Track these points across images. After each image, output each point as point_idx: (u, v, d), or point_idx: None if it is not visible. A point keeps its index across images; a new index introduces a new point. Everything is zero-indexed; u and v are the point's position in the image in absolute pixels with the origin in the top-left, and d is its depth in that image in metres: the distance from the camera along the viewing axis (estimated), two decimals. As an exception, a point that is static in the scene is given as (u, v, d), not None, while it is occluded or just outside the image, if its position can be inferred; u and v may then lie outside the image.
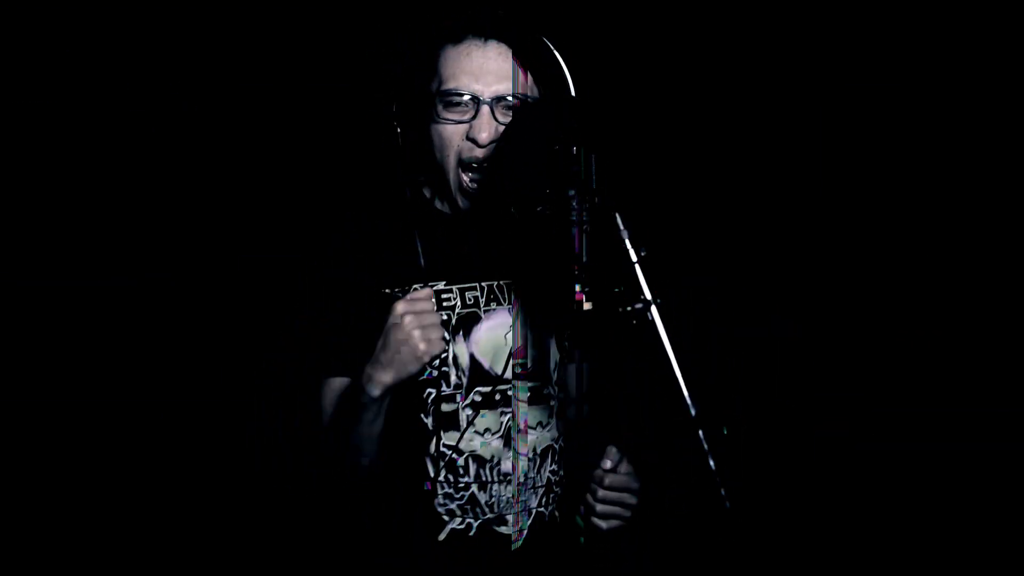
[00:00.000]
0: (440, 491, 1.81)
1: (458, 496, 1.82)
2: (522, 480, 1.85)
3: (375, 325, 1.76)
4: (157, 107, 2.74)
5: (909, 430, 2.87)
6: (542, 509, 1.87)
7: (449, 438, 1.81)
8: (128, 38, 2.70)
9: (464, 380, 1.81)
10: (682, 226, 2.90)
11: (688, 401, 1.45)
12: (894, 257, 2.98)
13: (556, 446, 1.90)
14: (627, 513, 1.80)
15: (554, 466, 1.89)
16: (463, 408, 1.81)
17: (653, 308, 1.49)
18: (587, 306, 1.54)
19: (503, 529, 1.83)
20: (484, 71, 1.73)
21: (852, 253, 3.01)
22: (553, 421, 1.89)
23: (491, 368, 1.83)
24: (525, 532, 1.85)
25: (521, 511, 1.85)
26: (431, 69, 1.77)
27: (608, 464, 1.77)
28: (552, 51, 1.75)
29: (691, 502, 1.87)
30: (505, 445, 1.83)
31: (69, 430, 2.74)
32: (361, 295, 1.79)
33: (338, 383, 1.77)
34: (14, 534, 2.69)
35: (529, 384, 1.86)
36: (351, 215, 1.87)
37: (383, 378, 1.62)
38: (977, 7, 2.80)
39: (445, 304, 1.82)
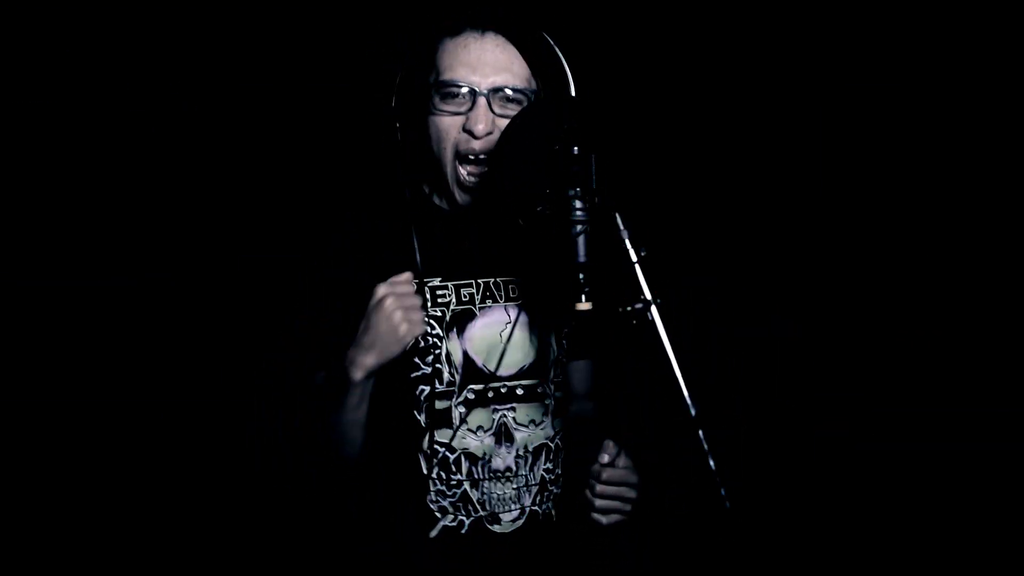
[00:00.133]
0: (432, 488, 1.81)
1: (450, 493, 1.82)
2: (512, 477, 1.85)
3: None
4: (157, 107, 2.74)
5: (910, 430, 2.87)
6: (536, 507, 1.87)
7: (442, 435, 1.81)
8: (128, 38, 2.69)
9: (457, 377, 1.81)
10: (682, 226, 2.90)
11: (688, 401, 1.46)
12: (894, 257, 2.98)
13: (551, 444, 1.89)
14: (627, 507, 1.80)
15: (548, 464, 1.89)
16: (456, 405, 1.81)
17: (653, 308, 1.50)
18: (587, 306, 1.54)
19: (496, 527, 1.83)
20: (481, 62, 1.73)
21: (852, 253, 3.01)
22: (548, 419, 1.88)
23: (484, 366, 1.82)
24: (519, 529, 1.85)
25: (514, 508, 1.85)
26: (429, 63, 1.77)
27: (605, 458, 1.76)
28: (553, 49, 1.76)
29: (691, 502, 1.86)
30: (497, 443, 1.83)
31: (69, 430, 2.74)
32: (361, 295, 1.79)
33: None
34: (14, 534, 2.69)
35: (524, 382, 1.86)
36: (351, 215, 1.87)
37: (366, 361, 1.64)
38: (977, 7, 2.79)
39: (440, 300, 1.82)
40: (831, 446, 2.94)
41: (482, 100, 1.73)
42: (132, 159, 2.75)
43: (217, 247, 2.79)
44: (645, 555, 1.97)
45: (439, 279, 1.83)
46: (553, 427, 1.89)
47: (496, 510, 1.83)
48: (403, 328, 1.62)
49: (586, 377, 2.00)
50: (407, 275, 1.66)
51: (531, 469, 1.87)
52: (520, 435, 1.86)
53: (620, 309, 1.53)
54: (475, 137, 1.73)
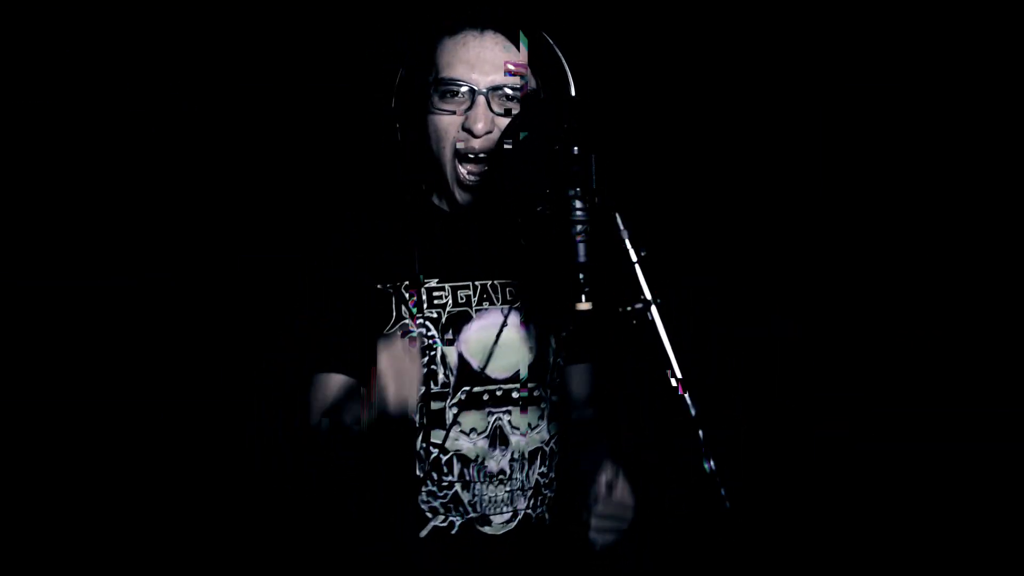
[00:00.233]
0: (424, 488, 1.81)
1: (441, 494, 1.81)
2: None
3: (374, 324, 1.77)
4: (157, 107, 2.74)
5: (909, 430, 2.87)
6: (529, 511, 1.86)
7: (436, 436, 1.80)
8: (128, 38, 2.69)
9: (452, 379, 1.81)
10: (682, 227, 2.90)
11: (688, 401, 1.45)
12: (894, 257, 2.98)
13: (546, 449, 1.89)
14: (623, 527, 1.79)
15: (543, 468, 1.88)
16: (449, 407, 1.81)
17: (653, 308, 1.49)
18: (587, 306, 1.54)
19: (487, 529, 1.83)
20: (481, 60, 1.72)
21: (852, 253, 3.01)
22: (543, 423, 1.88)
23: (479, 368, 1.82)
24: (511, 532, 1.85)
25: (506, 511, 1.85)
26: (428, 62, 1.76)
27: (604, 480, 1.75)
28: (553, 49, 1.75)
29: (691, 502, 1.86)
30: (491, 445, 1.83)
31: (69, 430, 2.74)
32: (361, 294, 1.79)
33: (336, 380, 1.76)
34: (14, 534, 2.69)
35: (519, 385, 1.86)
36: (351, 215, 1.86)
37: (350, 419, 1.64)
38: (977, 7, 2.79)
39: (436, 302, 1.81)
40: (831, 446, 2.94)
41: (481, 99, 1.72)
42: (132, 159, 2.75)
43: (217, 247, 2.79)
44: (645, 555, 1.97)
45: (436, 280, 1.83)
46: (549, 431, 1.88)
47: (487, 512, 1.83)
48: (392, 405, 1.59)
49: (586, 381, 2.00)
50: (410, 342, 1.63)
51: (526, 473, 1.86)
52: (515, 439, 1.85)
53: (620, 309, 1.52)
54: (474, 136, 1.72)
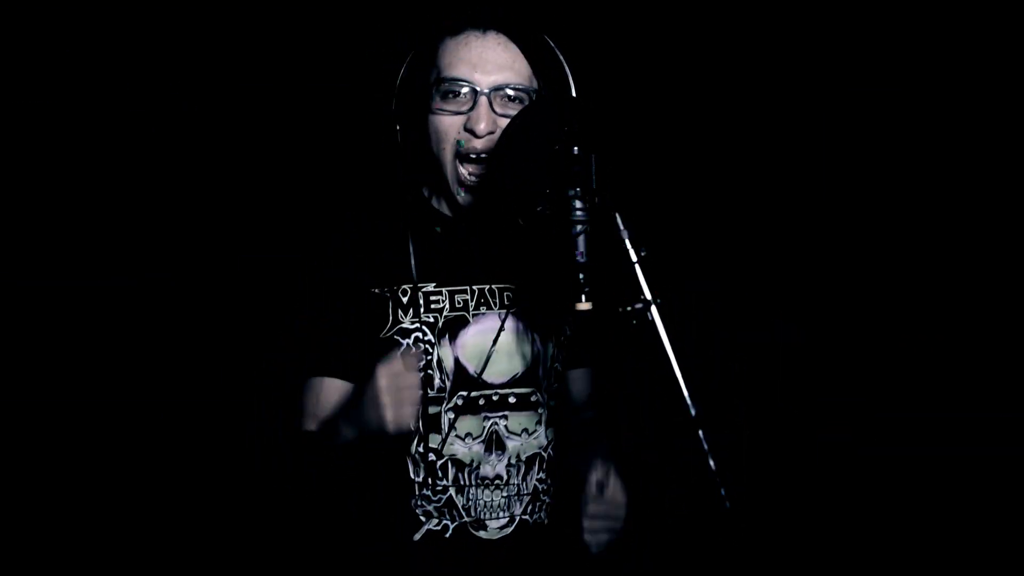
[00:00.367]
0: (418, 492, 1.80)
1: (435, 498, 1.80)
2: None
3: (372, 325, 1.76)
4: (157, 107, 2.74)
5: (912, 435, 2.86)
6: (526, 517, 1.85)
7: (432, 440, 1.79)
8: (128, 38, 2.70)
9: (448, 384, 1.80)
10: (684, 230, 2.90)
11: (688, 401, 1.45)
12: (897, 262, 2.97)
13: (544, 454, 1.88)
14: (617, 527, 1.78)
15: (542, 474, 1.87)
16: (445, 411, 1.80)
17: (653, 308, 1.49)
18: (587, 306, 1.53)
19: (482, 533, 1.82)
20: (483, 60, 1.72)
21: (855, 258, 3.01)
22: (541, 428, 1.87)
23: (475, 373, 1.81)
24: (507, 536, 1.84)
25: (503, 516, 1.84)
26: (430, 62, 1.76)
27: (594, 480, 1.74)
28: (553, 49, 1.75)
29: (691, 502, 1.86)
30: (487, 450, 1.82)
31: (69, 430, 2.74)
32: (361, 295, 1.79)
33: (333, 384, 1.76)
34: (14, 534, 2.69)
35: (517, 390, 1.85)
36: (351, 215, 1.86)
37: (346, 432, 1.63)
38: (977, 7, 2.79)
39: (433, 307, 1.81)
40: (833, 451, 2.93)
41: (483, 99, 1.72)
42: (132, 159, 2.76)
43: (217, 247, 2.78)
44: (645, 555, 1.96)
45: (433, 284, 1.82)
46: (547, 436, 1.87)
47: (483, 516, 1.82)
48: (391, 425, 1.57)
49: (586, 384, 2.00)
50: (412, 362, 1.60)
51: (523, 479, 1.85)
52: (512, 444, 1.84)
53: (620, 309, 1.52)
54: (476, 136, 1.72)
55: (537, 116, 1.62)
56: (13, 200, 2.68)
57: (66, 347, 2.73)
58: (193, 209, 2.79)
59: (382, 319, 1.79)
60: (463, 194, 1.78)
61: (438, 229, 1.84)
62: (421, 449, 1.80)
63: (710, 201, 2.99)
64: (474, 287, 1.84)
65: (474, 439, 1.81)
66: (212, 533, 2.77)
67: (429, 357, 1.79)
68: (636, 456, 1.82)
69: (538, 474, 1.86)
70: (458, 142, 1.74)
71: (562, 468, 1.90)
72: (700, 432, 1.44)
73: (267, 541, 2.68)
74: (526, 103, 1.74)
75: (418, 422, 1.74)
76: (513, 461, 1.84)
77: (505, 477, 1.83)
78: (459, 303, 1.82)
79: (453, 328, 1.81)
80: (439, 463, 1.80)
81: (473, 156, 1.73)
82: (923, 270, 2.94)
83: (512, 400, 1.83)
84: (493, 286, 1.85)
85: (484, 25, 1.75)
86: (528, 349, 1.85)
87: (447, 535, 1.80)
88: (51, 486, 2.73)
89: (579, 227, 1.52)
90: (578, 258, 1.52)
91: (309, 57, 2.76)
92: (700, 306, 2.85)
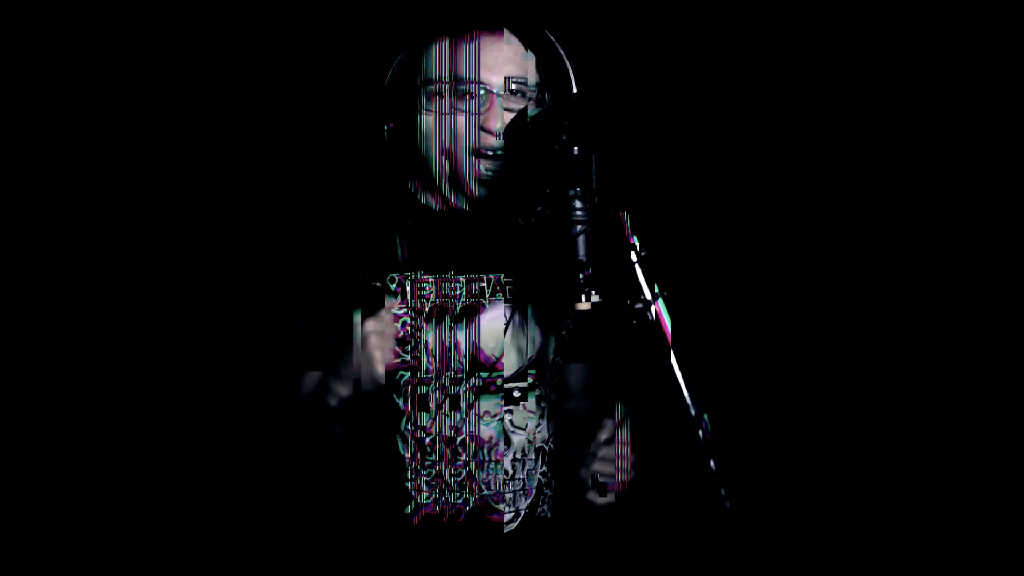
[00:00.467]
0: (410, 467, 1.81)
1: (425, 473, 1.81)
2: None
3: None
4: (157, 107, 2.74)
5: (912, 435, 2.86)
6: (531, 511, 1.86)
7: (422, 419, 1.80)
8: (128, 38, 2.69)
9: (464, 367, 1.81)
10: (684, 229, 2.89)
11: (688, 401, 1.45)
12: (898, 262, 2.97)
13: (546, 448, 1.89)
14: (624, 477, 1.78)
15: (544, 468, 1.88)
16: (464, 393, 1.81)
17: (653, 308, 1.49)
18: (587, 306, 1.54)
19: (498, 509, 1.83)
20: (494, 60, 1.74)
21: (856, 258, 3.01)
22: (543, 423, 1.88)
23: (489, 358, 1.82)
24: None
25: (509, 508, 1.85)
26: (436, 62, 1.78)
27: (604, 435, 1.75)
28: (556, 48, 1.76)
29: (691, 502, 1.86)
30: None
31: (69, 430, 2.73)
32: (361, 295, 1.79)
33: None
34: (14, 534, 2.68)
35: (520, 384, 1.86)
36: (351, 215, 1.87)
37: (340, 391, 1.63)
38: (977, 7, 2.79)
39: (422, 293, 1.82)
40: (834, 451, 2.93)
41: (496, 98, 1.74)
42: (132, 159, 2.75)
43: (217, 247, 2.78)
44: (645, 555, 1.96)
45: (421, 272, 1.84)
46: (548, 430, 1.89)
47: (494, 500, 1.83)
48: (379, 369, 1.63)
49: (583, 377, 2.01)
50: (389, 313, 1.66)
51: (527, 472, 1.86)
52: (516, 438, 1.85)
53: (620, 309, 1.52)
54: (492, 135, 1.74)
55: (538, 115, 1.63)
56: (13, 200, 2.68)
57: (66, 347, 2.72)
58: (193, 209, 2.78)
59: (376, 308, 1.80)
60: (479, 187, 1.80)
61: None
62: (411, 426, 1.81)
63: (710, 201, 2.99)
64: (487, 276, 1.85)
65: (492, 418, 1.82)
66: (212, 533, 2.77)
67: (416, 341, 1.80)
68: (637, 455, 1.82)
69: (540, 467, 1.87)
70: (472, 140, 1.76)
71: (561, 462, 1.91)
72: (700, 432, 1.44)
73: (268, 541, 2.68)
74: (528, 97, 1.76)
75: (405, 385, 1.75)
76: (518, 456, 1.85)
77: (511, 471, 1.84)
78: (476, 290, 1.83)
79: (469, 314, 1.83)
80: (459, 440, 1.81)
81: (491, 152, 1.75)
82: (923, 270, 2.94)
83: (516, 394, 1.85)
84: (501, 276, 1.86)
85: (492, 25, 1.76)
86: (530, 344, 1.86)
87: (462, 518, 1.80)
88: (51, 486, 2.73)
89: (579, 227, 1.52)
90: (578, 258, 1.52)
91: (309, 57, 2.76)
92: (700, 306, 2.85)
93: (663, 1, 2.89)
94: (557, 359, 1.88)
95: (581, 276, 1.51)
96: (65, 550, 2.71)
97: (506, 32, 1.76)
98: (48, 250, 2.71)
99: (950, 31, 2.83)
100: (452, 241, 1.84)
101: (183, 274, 2.77)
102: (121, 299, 2.74)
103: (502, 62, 1.74)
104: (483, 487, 1.80)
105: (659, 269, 1.52)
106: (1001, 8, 2.78)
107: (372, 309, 1.79)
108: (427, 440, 1.80)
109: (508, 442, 1.81)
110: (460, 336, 1.81)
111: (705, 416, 1.46)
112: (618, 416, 1.79)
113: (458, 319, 1.82)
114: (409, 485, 1.79)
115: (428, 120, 1.75)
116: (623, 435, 1.77)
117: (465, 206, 1.83)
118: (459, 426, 1.80)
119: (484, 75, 1.75)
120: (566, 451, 1.90)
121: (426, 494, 1.79)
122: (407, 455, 1.80)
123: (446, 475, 1.80)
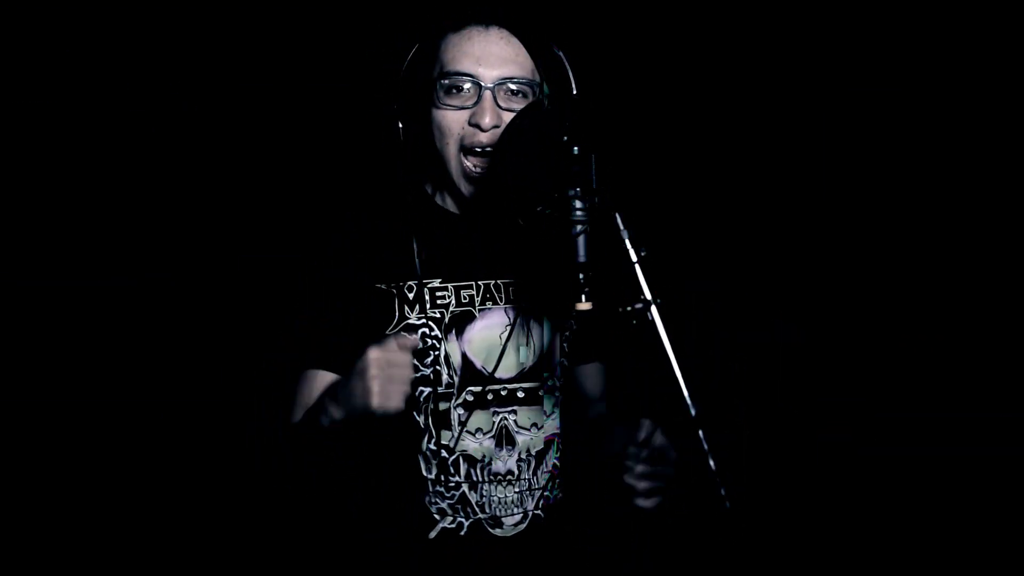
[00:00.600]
0: (431, 489, 1.80)
1: (449, 495, 1.80)
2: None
3: (375, 324, 1.76)
4: (157, 107, 2.74)
5: (912, 435, 2.87)
6: (539, 512, 1.86)
7: (442, 437, 1.79)
8: (128, 38, 2.70)
9: (456, 379, 1.80)
10: (685, 230, 2.90)
11: (688, 401, 1.45)
12: (897, 262, 2.97)
13: (557, 438, 1.89)
14: (669, 475, 1.72)
15: (555, 459, 1.89)
16: (455, 407, 1.80)
17: (653, 308, 1.49)
18: (587, 306, 1.53)
19: (497, 531, 1.82)
20: (486, 54, 1.72)
21: (855, 258, 3.01)
22: (550, 422, 1.88)
23: (483, 368, 1.81)
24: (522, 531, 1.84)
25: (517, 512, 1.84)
26: (432, 58, 1.76)
27: (642, 436, 1.70)
28: (555, 49, 1.75)
29: (691, 502, 1.85)
30: (497, 445, 1.82)
31: (69, 430, 2.74)
32: (361, 295, 1.78)
33: (331, 379, 1.75)
34: (14, 534, 2.69)
35: (525, 384, 1.85)
36: (351, 215, 1.86)
37: (334, 413, 1.60)
38: (977, 7, 2.79)
39: (439, 302, 1.81)
40: (834, 451, 2.94)
41: (487, 93, 1.72)
42: (132, 159, 2.75)
43: (217, 247, 2.78)
44: (645, 555, 1.96)
45: (439, 280, 1.82)
46: (560, 421, 1.89)
47: (498, 513, 1.82)
48: (376, 401, 1.51)
49: (598, 379, 2.01)
50: (405, 342, 1.56)
51: (534, 473, 1.86)
52: (522, 438, 1.84)
53: (620, 309, 1.51)
54: (482, 130, 1.72)
55: (538, 115, 1.62)
56: (13, 200, 2.68)
57: (66, 347, 2.73)
58: (193, 209, 2.79)
59: (388, 315, 1.79)
60: (468, 186, 1.78)
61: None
62: (432, 446, 1.79)
63: (710, 201, 2.99)
64: (479, 282, 1.84)
65: (484, 434, 1.81)
66: (212, 533, 2.77)
67: (436, 353, 1.79)
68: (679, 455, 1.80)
69: (547, 468, 1.87)
70: (462, 136, 1.74)
71: (570, 461, 1.91)
72: (700, 432, 1.44)
73: (269, 541, 2.68)
74: (530, 97, 1.74)
75: (424, 406, 1.72)
76: (523, 456, 1.84)
77: (516, 472, 1.83)
78: (465, 298, 1.82)
79: (460, 323, 1.81)
80: (451, 459, 1.80)
81: (478, 149, 1.73)
82: (923, 270, 2.94)
83: (520, 395, 1.84)
84: (499, 281, 1.85)
85: (487, 20, 1.75)
86: (535, 344, 1.85)
87: (462, 533, 1.80)
88: (51, 486, 2.73)
89: (579, 227, 1.52)
90: (578, 258, 1.52)
91: (309, 57, 2.76)
92: (700, 306, 2.85)
93: (663, 1, 2.89)
94: (563, 359, 1.87)
95: (581, 276, 1.50)
96: (65, 549, 2.72)
97: (506, 32, 1.73)
98: (48, 250, 2.71)
99: (950, 31, 2.83)
100: (467, 244, 1.81)
101: (183, 274, 2.78)
102: (121, 299, 2.75)
103: (494, 56, 1.71)
104: (478, 509, 1.79)
105: (660, 269, 1.52)
106: (1001, 8, 2.78)
107: (382, 321, 1.78)
108: (450, 460, 1.80)
109: (512, 443, 1.81)
110: (451, 347, 1.78)
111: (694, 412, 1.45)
112: (650, 427, 1.73)
113: (448, 329, 1.78)
114: (432, 508, 1.79)
115: (439, 115, 1.72)
116: (661, 437, 1.71)
117: (454, 208, 1.81)
118: (451, 444, 1.80)
119: (473, 68, 1.71)
120: (587, 454, 1.89)
121: (451, 518, 1.78)
122: (431, 476, 1.78)
123: (472, 498, 1.79)
